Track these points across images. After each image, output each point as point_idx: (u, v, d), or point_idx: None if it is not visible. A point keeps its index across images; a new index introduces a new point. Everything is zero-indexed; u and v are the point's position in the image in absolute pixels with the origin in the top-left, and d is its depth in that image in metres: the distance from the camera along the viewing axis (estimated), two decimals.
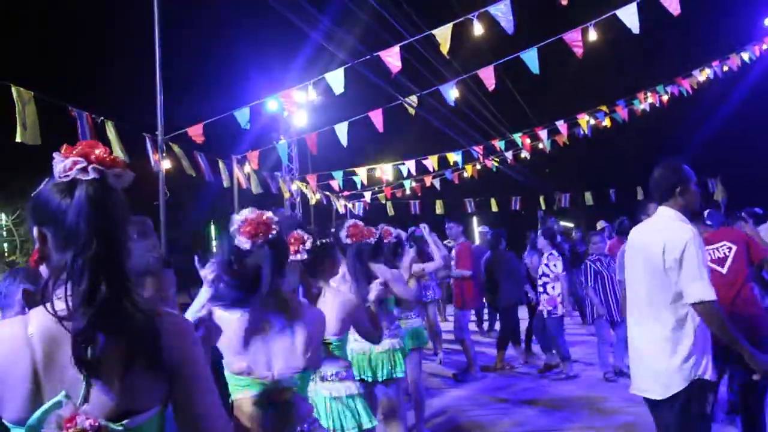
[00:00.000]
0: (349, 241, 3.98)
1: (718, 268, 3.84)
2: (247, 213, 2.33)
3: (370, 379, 4.15)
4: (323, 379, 3.17)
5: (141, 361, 1.28)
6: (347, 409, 3.14)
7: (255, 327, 2.33)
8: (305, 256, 2.96)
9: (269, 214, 2.37)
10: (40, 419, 1.22)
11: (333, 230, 4.04)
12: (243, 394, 2.30)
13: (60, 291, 1.28)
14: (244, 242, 2.28)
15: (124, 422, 1.26)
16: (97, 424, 1.22)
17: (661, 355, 2.97)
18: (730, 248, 3.94)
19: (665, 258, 2.94)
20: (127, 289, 1.30)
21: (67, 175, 1.28)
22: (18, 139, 5.24)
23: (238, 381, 2.33)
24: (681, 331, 2.94)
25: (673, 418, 2.97)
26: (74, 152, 1.29)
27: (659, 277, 2.98)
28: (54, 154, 1.30)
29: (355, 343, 4.13)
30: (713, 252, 3.88)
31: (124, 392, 1.27)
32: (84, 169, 1.28)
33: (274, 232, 2.31)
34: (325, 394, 3.13)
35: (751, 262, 3.92)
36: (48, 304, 1.25)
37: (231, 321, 2.28)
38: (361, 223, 4.18)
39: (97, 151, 1.30)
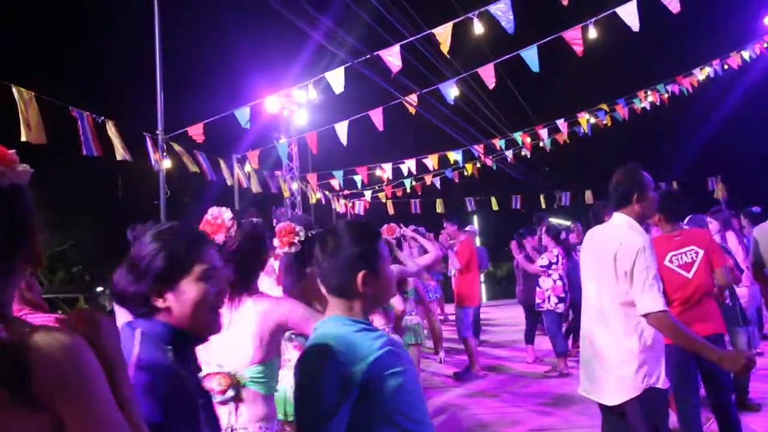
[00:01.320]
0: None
1: (684, 273, 3.81)
2: (210, 213, 2.33)
3: None
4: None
5: (4, 399, 1.00)
6: None
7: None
8: (298, 248, 2.94)
9: (227, 215, 2.35)
10: None
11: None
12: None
13: None
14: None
15: None
16: None
17: (612, 362, 2.93)
18: (697, 253, 3.92)
19: (616, 267, 2.90)
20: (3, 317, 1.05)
21: None
22: (23, 139, 5.23)
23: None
24: (631, 339, 2.89)
25: (622, 426, 2.94)
26: None
27: (609, 285, 2.94)
28: None
29: None
30: (680, 257, 3.85)
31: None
32: None
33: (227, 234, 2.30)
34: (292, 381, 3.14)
35: (711, 268, 3.91)
36: None
37: None
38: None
39: None
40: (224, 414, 2.23)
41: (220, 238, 2.28)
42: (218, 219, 2.32)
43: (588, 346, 3.09)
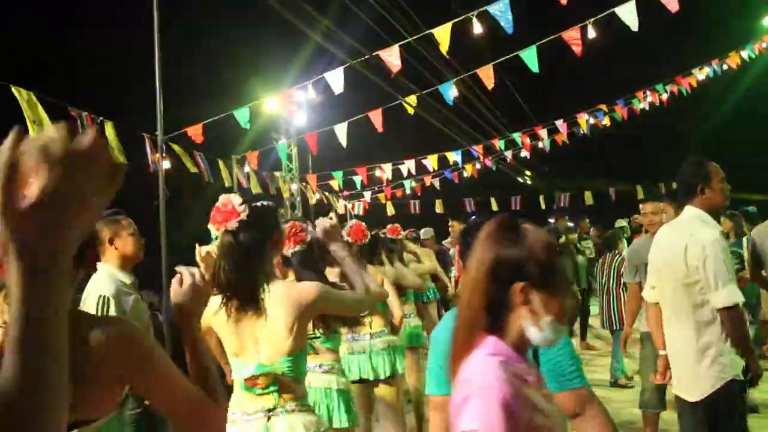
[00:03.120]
0: (350, 239, 4.02)
1: None
2: (221, 200, 2.34)
3: (371, 378, 4.14)
4: (307, 369, 3.20)
5: (90, 375, 1.28)
6: (323, 403, 3.15)
7: (239, 315, 2.34)
8: (304, 247, 2.97)
9: (236, 200, 2.37)
10: None
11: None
12: (234, 376, 2.35)
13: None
14: (212, 228, 2.31)
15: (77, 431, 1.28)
16: None
17: (690, 358, 2.92)
18: None
19: (687, 262, 2.88)
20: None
21: None
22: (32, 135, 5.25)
23: (231, 362, 2.37)
24: (707, 335, 2.87)
25: (704, 421, 2.91)
26: None
27: (681, 281, 2.93)
28: None
29: (355, 342, 4.14)
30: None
31: (74, 405, 1.16)
32: None
33: (239, 219, 2.31)
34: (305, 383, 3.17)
35: None
36: None
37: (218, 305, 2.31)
38: (363, 224, 4.22)
39: None
40: (266, 399, 2.29)
41: (232, 224, 2.29)
42: (228, 206, 2.33)
43: (671, 345, 3.10)
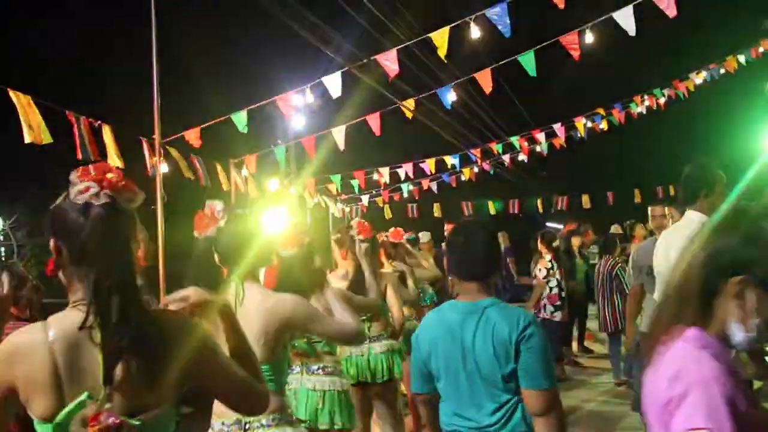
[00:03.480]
0: (361, 237, 4.04)
1: None
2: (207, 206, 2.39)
3: (369, 381, 4.14)
4: (309, 371, 3.20)
5: (154, 365, 1.44)
6: (325, 405, 3.16)
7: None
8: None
9: (217, 206, 2.39)
10: (66, 418, 1.36)
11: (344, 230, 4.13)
12: None
13: (75, 299, 1.46)
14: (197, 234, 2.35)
15: (141, 417, 1.41)
16: (118, 421, 1.35)
17: None
18: None
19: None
20: (142, 306, 1.48)
21: (82, 198, 1.42)
22: (27, 140, 5.25)
23: None
24: None
25: None
26: (89, 175, 1.44)
27: None
28: (71, 174, 1.46)
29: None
30: None
31: (141, 392, 1.42)
32: (96, 195, 1.42)
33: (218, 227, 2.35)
34: (308, 386, 3.17)
35: None
36: (83, 319, 1.40)
37: None
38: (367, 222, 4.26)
39: (109, 176, 1.44)
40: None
41: (212, 231, 2.31)
42: (209, 212, 2.36)
43: None
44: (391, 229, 5.64)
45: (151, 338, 1.44)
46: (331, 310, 2.81)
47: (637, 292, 4.79)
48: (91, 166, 1.46)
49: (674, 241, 3.07)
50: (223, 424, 2.31)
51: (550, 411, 2.15)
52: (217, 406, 2.31)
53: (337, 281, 3.92)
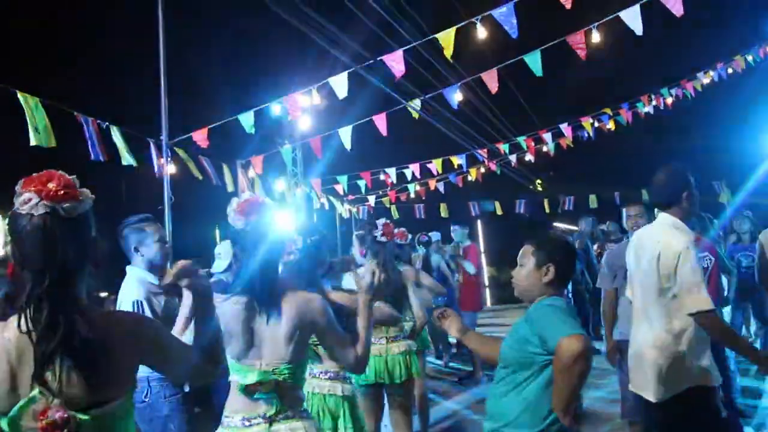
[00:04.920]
0: (384, 239, 4.05)
1: None
2: (246, 195, 2.42)
3: (387, 382, 4.11)
4: (312, 375, 3.20)
5: (100, 366, 1.53)
6: (328, 409, 3.15)
7: (248, 314, 2.35)
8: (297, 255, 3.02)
9: (264, 198, 2.44)
10: (18, 412, 1.45)
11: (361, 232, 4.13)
12: (233, 378, 2.35)
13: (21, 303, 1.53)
14: (237, 221, 2.35)
15: (90, 412, 1.50)
16: (66, 415, 1.46)
17: (658, 360, 2.96)
18: (711, 260, 3.90)
19: (659, 268, 2.92)
20: (81, 310, 1.55)
21: (25, 209, 1.50)
22: (32, 143, 5.29)
23: (231, 365, 2.37)
24: (677, 339, 2.91)
25: (666, 423, 2.96)
26: (32, 186, 1.51)
27: (654, 285, 2.97)
28: (17, 184, 1.52)
29: (372, 346, 4.10)
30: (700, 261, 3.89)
31: (89, 389, 1.51)
32: (35, 205, 1.49)
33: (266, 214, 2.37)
34: (308, 389, 3.17)
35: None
36: (17, 319, 1.51)
37: (224, 305, 2.31)
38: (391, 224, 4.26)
39: (50, 185, 1.51)
40: (267, 405, 2.31)
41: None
42: (254, 201, 2.41)
43: (637, 345, 3.13)
44: (396, 231, 5.63)
45: (85, 340, 1.51)
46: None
47: (613, 298, 4.62)
48: (35, 176, 1.52)
49: (647, 244, 3.08)
50: (244, 419, 2.31)
51: None
52: (236, 403, 2.33)
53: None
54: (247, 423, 2.30)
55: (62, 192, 1.52)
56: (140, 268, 3.50)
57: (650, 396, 2.99)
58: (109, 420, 1.56)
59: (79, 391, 1.50)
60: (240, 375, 2.32)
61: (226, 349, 2.27)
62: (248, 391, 2.29)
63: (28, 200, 1.50)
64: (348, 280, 3.75)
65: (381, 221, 4.23)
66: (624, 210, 4.92)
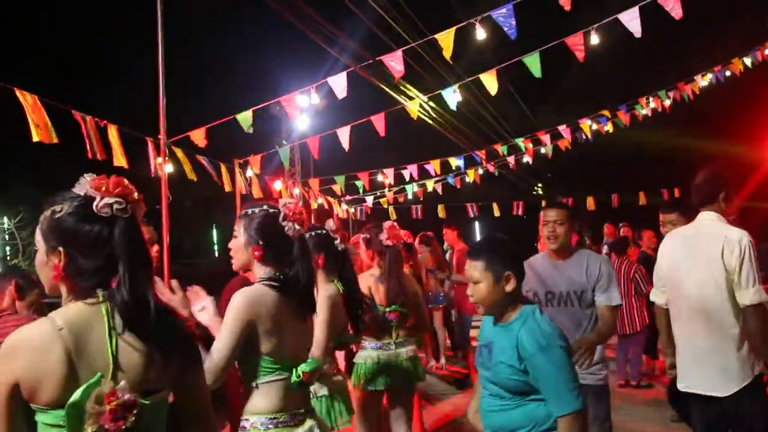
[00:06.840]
0: (389, 243, 4.01)
1: None
2: (288, 201, 2.53)
3: (393, 388, 4.07)
4: None
5: (164, 353, 1.61)
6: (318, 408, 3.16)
7: (290, 311, 2.40)
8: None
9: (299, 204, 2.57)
10: (81, 396, 1.44)
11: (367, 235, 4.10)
12: (276, 377, 2.36)
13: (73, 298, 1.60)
14: (289, 228, 2.43)
15: (149, 397, 1.55)
16: (134, 398, 1.49)
17: (727, 355, 3.02)
18: None
19: (724, 260, 3.00)
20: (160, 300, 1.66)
21: (107, 212, 1.58)
22: (34, 139, 5.27)
23: (272, 364, 2.35)
24: (736, 330, 3.01)
25: (737, 413, 3.01)
26: (113, 190, 1.60)
27: (716, 279, 3.03)
28: (88, 185, 1.60)
29: (382, 352, 4.06)
30: None
31: (147, 375, 1.58)
32: (124, 209, 1.60)
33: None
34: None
35: None
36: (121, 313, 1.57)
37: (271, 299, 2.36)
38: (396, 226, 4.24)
39: (135, 195, 1.65)
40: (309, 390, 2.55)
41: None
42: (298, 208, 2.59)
43: (689, 341, 3.16)
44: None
45: (165, 334, 1.62)
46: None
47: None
48: (109, 182, 1.61)
49: (706, 239, 3.13)
50: (272, 418, 2.32)
51: None
52: (257, 402, 2.32)
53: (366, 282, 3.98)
54: (274, 422, 2.32)
55: (139, 197, 1.69)
56: None
57: (719, 392, 3.02)
58: (160, 407, 1.63)
59: (139, 377, 1.55)
60: (291, 369, 2.36)
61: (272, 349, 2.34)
62: (304, 380, 2.35)
63: (111, 204, 1.60)
64: (362, 282, 3.81)
65: (387, 224, 4.16)
66: (661, 216, 4.79)
